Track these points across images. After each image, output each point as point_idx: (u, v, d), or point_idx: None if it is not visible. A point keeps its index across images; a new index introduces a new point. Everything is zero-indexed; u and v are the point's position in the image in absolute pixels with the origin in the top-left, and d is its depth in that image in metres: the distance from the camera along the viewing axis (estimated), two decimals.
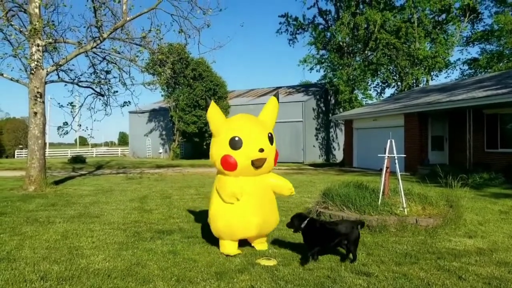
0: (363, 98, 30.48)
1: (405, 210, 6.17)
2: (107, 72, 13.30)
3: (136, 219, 6.92)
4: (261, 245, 4.95)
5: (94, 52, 12.49)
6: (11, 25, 10.82)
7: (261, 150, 4.47)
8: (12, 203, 8.67)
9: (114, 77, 13.47)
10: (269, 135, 4.66)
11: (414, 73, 29.21)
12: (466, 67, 36.16)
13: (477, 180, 12.49)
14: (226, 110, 31.76)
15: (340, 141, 31.21)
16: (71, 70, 12.72)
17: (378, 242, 5.30)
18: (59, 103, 12.82)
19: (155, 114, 37.47)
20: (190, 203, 8.81)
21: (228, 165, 4.54)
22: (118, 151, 53.08)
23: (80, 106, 13.70)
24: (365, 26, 27.62)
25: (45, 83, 11.22)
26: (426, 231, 5.74)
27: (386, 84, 32.83)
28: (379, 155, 6.77)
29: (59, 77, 12.42)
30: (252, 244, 5.00)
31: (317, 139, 30.74)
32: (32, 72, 10.85)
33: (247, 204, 4.61)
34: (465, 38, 34.42)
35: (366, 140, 20.69)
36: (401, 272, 4.12)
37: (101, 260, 4.52)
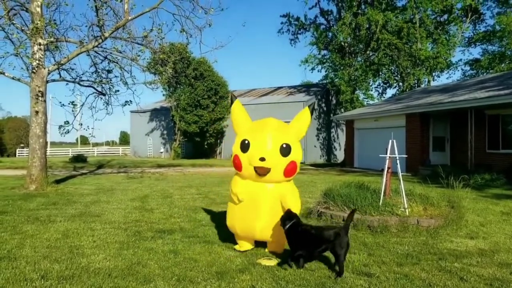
0: (365, 98, 30.47)
1: (407, 210, 6.15)
2: (109, 71, 13.31)
3: (137, 219, 6.92)
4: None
5: (95, 51, 12.50)
6: (13, 24, 10.82)
7: (262, 159, 4.38)
8: (13, 202, 8.67)
9: (116, 76, 13.49)
10: (283, 145, 4.45)
11: (416, 74, 29.17)
12: (467, 67, 36.17)
13: (478, 181, 12.47)
14: (227, 110, 31.78)
15: (341, 141, 31.20)
16: (72, 69, 12.73)
17: (379, 242, 5.29)
18: (60, 102, 12.83)
19: (156, 113, 37.51)
20: (191, 202, 8.80)
21: (236, 165, 4.67)
22: (119, 151, 53.16)
23: (82, 105, 13.74)
24: (367, 26, 27.58)
25: (47, 82, 11.22)
26: (428, 232, 5.72)
27: (388, 84, 32.81)
28: (380, 155, 6.76)
29: (60, 76, 12.44)
30: (268, 250, 4.92)
31: (318, 139, 30.73)
32: (34, 71, 10.85)
33: (251, 208, 4.60)
34: (467, 39, 34.41)
35: (368, 141, 20.67)
36: (403, 273, 4.10)
37: (102, 259, 4.51)
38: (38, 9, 10.80)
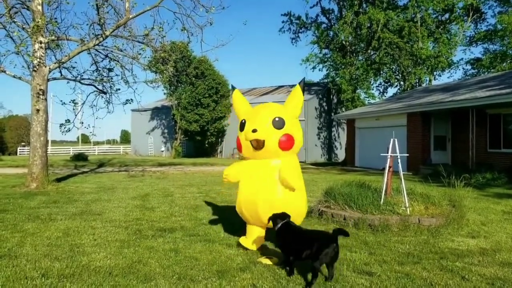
0: (366, 97, 30.44)
1: (408, 209, 6.14)
2: (110, 70, 13.32)
3: (138, 217, 6.91)
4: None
5: (96, 50, 12.50)
6: (14, 22, 10.82)
7: (254, 131, 4.51)
8: (14, 200, 8.68)
9: (117, 75, 13.51)
10: (276, 118, 4.58)
11: (417, 73, 29.14)
12: (469, 67, 36.11)
13: (479, 180, 12.45)
14: (228, 109, 31.78)
15: (342, 140, 31.17)
16: (73, 68, 12.75)
17: (380, 241, 5.28)
18: (61, 101, 12.89)
19: (157, 112, 37.51)
20: (192, 201, 8.80)
21: (238, 146, 4.93)
22: (120, 149, 53.17)
23: (83, 104, 13.75)
24: (368, 25, 27.55)
25: (48, 80, 11.22)
26: (429, 231, 5.71)
27: (389, 83, 32.78)
28: (381, 154, 6.74)
29: (61, 75, 12.45)
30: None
31: (319, 138, 30.70)
32: (35, 69, 10.84)
33: (253, 186, 4.72)
34: (468, 38, 34.34)
35: (368, 140, 20.65)
36: (404, 272, 4.09)
37: (103, 257, 4.51)
38: (39, 7, 10.80)
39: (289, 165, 4.63)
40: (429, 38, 29.41)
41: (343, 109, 29.52)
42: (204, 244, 5.13)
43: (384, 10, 27.02)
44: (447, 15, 30.74)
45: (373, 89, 31.80)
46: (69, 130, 13.40)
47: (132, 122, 40.07)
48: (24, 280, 3.78)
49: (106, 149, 55.64)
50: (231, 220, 6.62)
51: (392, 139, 6.42)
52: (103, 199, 9.02)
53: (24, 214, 7.10)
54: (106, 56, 12.90)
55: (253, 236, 4.84)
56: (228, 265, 4.29)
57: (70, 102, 13.24)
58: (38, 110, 10.90)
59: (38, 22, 10.53)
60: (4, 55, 11.31)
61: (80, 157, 26.59)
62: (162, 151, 36.65)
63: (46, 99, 11.22)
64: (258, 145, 4.58)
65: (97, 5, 11.13)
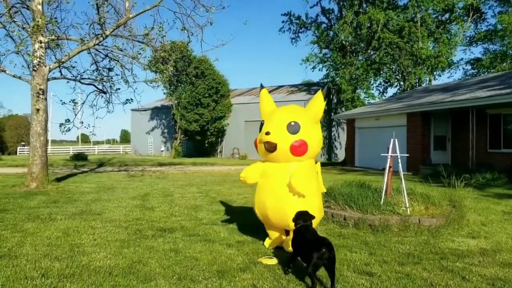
0: (366, 97, 30.41)
1: (408, 209, 6.14)
2: (110, 69, 13.31)
3: (138, 217, 6.91)
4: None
5: (96, 49, 12.49)
6: (14, 21, 10.81)
7: (267, 133, 4.56)
8: (14, 199, 8.67)
9: (117, 75, 13.50)
10: (291, 123, 4.59)
11: (417, 73, 29.12)
12: (469, 67, 36.10)
13: (480, 180, 12.45)
14: (228, 109, 31.77)
15: (342, 140, 31.16)
16: (73, 67, 12.74)
17: (380, 241, 5.27)
18: (61, 100, 12.88)
19: (157, 112, 37.51)
20: (192, 201, 8.79)
21: (255, 145, 5.01)
22: (120, 149, 53.16)
23: (82, 103, 13.74)
24: (368, 25, 27.52)
25: (48, 80, 11.21)
26: (429, 231, 5.71)
27: (389, 83, 32.76)
28: (382, 154, 6.74)
29: (61, 74, 12.43)
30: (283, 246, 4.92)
31: None
32: (35, 69, 10.83)
33: (263, 187, 4.82)
34: (468, 38, 34.33)
35: (368, 140, 20.65)
36: (404, 272, 4.09)
37: (103, 257, 4.50)
38: (39, 7, 10.79)
39: (300, 171, 4.59)
40: (429, 38, 29.39)
41: (343, 109, 29.50)
42: (204, 244, 5.12)
43: (384, 10, 26.99)
44: (447, 15, 30.73)
45: (373, 89, 31.80)
46: (69, 130, 13.40)
47: (132, 121, 40.06)
48: (24, 280, 3.77)
49: (106, 149, 55.62)
50: (231, 220, 6.63)
51: (392, 139, 6.42)
52: (103, 199, 9.01)
53: (24, 213, 7.09)
54: (106, 55, 12.90)
55: (272, 236, 4.98)
56: (228, 265, 4.29)
57: (70, 101, 13.24)
58: (38, 110, 10.89)
59: (38, 21, 10.52)
60: (4, 55, 11.30)
61: (80, 157, 26.56)
62: (162, 150, 36.65)
63: (46, 99, 11.20)
64: (270, 148, 4.62)
65: (97, 4, 11.12)
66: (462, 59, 54.76)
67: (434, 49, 29.52)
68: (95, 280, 3.80)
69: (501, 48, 33.25)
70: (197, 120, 30.21)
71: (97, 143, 69.79)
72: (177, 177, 14.75)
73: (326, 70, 31.16)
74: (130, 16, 11.50)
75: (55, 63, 11.59)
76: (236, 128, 31.88)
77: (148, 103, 38.50)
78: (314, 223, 4.48)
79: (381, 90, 33.28)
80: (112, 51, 12.57)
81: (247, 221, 6.24)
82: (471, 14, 31.10)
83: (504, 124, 14.65)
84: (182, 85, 31.51)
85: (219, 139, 33.27)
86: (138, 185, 11.96)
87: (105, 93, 13.52)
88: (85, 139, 72.79)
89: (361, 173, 16.00)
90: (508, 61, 32.58)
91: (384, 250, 4.91)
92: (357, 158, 21.98)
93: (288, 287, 3.72)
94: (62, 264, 4.25)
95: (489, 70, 33.13)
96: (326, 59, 30.52)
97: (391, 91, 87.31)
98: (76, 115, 13.33)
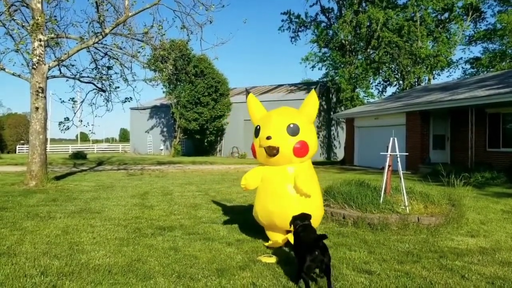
0: (365, 96, 30.45)
1: (407, 208, 6.14)
2: (109, 68, 13.30)
3: (137, 215, 6.91)
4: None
5: (96, 48, 12.48)
6: (14, 19, 10.79)
7: (268, 138, 4.51)
8: (13, 198, 8.66)
9: (116, 73, 13.50)
10: (290, 125, 4.59)
11: (416, 72, 29.14)
12: (468, 66, 36.13)
13: (479, 179, 12.45)
14: (227, 107, 31.75)
15: (341, 139, 31.17)
16: (72, 66, 12.73)
17: (379, 240, 5.28)
18: (60, 99, 12.85)
19: (156, 110, 37.48)
20: (191, 199, 8.79)
21: (252, 152, 4.97)
22: (119, 148, 53.13)
23: (82, 102, 13.73)
24: (368, 24, 27.51)
25: (47, 78, 11.20)
26: (428, 230, 5.71)
27: (388, 82, 32.76)
28: (381, 153, 6.74)
29: (60, 72, 12.42)
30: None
31: (318, 137, 30.48)
32: (34, 67, 10.82)
33: (267, 193, 4.77)
34: (467, 37, 34.34)
35: (368, 139, 20.65)
36: (403, 271, 4.09)
37: (102, 255, 4.50)
38: (39, 5, 10.77)
39: (304, 173, 4.65)
40: (429, 37, 29.40)
41: (342, 108, 29.51)
42: (204, 242, 5.12)
43: (383, 9, 26.99)
44: (446, 14, 30.73)
45: (372, 88, 31.83)
46: (68, 128, 13.39)
47: (131, 120, 40.02)
48: (23, 278, 3.77)
49: (105, 148, 55.57)
50: (230, 219, 6.63)
51: (391, 138, 6.42)
52: (102, 197, 9.01)
53: (23, 212, 7.08)
54: (106, 54, 12.89)
55: (273, 238, 4.94)
56: (228, 264, 4.29)
57: (69, 100, 13.25)
58: (37, 108, 10.88)
59: (38, 20, 10.50)
60: (4, 53, 11.29)
61: (79, 155, 26.55)
62: (161, 149, 36.63)
63: (45, 97, 11.20)
64: (273, 152, 4.59)
65: (96, 3, 11.10)
66: (461, 58, 55.03)
67: (434, 48, 29.53)
68: (94, 278, 3.80)
69: (500, 47, 33.28)
70: (197, 119, 30.20)
71: (96, 141, 69.80)
72: (177, 176, 14.75)
73: (326, 69, 31.24)
74: (130, 14, 11.49)
75: (54, 61, 11.57)
76: (235, 127, 31.88)
77: (148, 102, 38.47)
78: (316, 221, 4.52)
79: (381, 89, 33.31)
80: (111, 49, 12.57)
81: (247, 219, 6.23)
82: (470, 13, 31.11)
83: (503, 123, 14.66)
84: (182, 84, 31.49)
85: (219, 138, 33.27)
86: (138, 183, 11.96)
87: (104, 91, 13.51)
88: (84, 137, 72.63)
89: (361, 172, 16.00)
90: (507, 60, 32.60)
91: (383, 248, 4.91)
92: (356, 157, 21.99)
93: (288, 285, 3.72)
94: (61, 262, 4.25)
95: (488, 69, 33.15)
96: (325, 58, 30.55)
97: (390, 90, 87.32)
98: (75, 113, 13.34)
